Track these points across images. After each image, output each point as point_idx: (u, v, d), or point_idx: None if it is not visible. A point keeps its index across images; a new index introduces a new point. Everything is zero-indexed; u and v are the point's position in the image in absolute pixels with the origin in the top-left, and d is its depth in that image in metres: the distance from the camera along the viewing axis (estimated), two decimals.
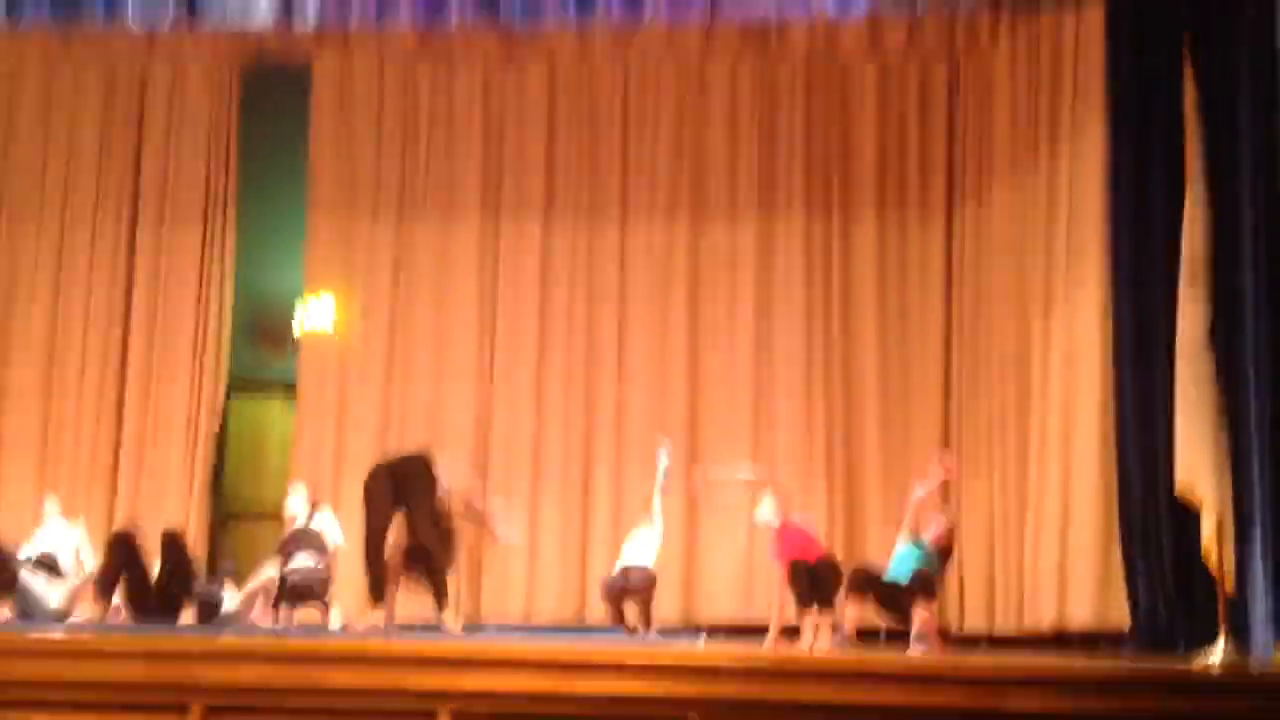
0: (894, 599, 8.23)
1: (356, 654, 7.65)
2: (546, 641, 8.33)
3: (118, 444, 11.35)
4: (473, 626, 8.63)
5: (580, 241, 11.52)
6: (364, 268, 11.63)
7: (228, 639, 8.05)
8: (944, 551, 8.40)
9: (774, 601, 8.47)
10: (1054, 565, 9.47)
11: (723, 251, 11.40)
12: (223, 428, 11.56)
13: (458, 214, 11.61)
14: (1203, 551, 7.10)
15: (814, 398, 11.14)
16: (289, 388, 11.73)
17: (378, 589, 8.32)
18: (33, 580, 8.94)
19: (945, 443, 10.82)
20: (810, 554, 8.36)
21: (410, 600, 8.66)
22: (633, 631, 8.73)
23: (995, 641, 9.42)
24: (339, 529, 9.10)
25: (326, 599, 8.95)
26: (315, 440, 11.33)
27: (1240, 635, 7.23)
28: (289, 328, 12.04)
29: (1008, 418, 10.31)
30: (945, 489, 8.96)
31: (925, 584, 8.18)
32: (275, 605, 8.89)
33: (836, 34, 11.15)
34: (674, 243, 11.44)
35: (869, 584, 8.27)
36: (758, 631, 8.59)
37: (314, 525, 9.10)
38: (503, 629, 8.69)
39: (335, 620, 8.77)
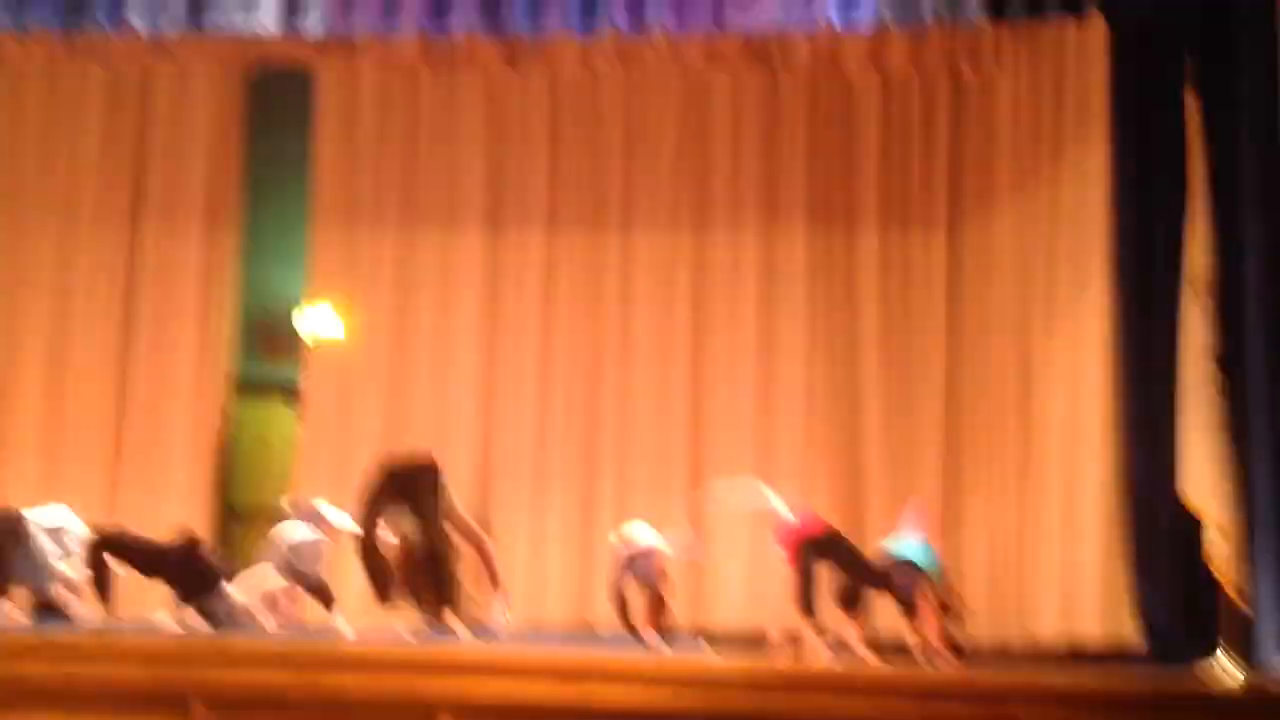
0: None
1: (360, 658, 7.69)
2: (552, 648, 8.37)
3: (120, 447, 11.34)
4: (478, 632, 8.59)
5: (582, 251, 11.54)
6: (367, 274, 11.64)
7: (233, 641, 8.07)
8: None
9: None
10: (1057, 580, 9.51)
11: (725, 263, 11.42)
12: (225, 431, 11.54)
13: (460, 222, 11.61)
14: (1209, 566, 7.14)
15: (816, 411, 11.16)
16: (291, 392, 11.72)
17: (381, 589, 8.33)
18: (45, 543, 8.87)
19: (947, 456, 10.84)
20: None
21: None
22: (638, 634, 8.69)
23: (1002, 656, 9.43)
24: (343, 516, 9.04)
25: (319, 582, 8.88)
26: (319, 447, 11.33)
27: (1248, 649, 7.27)
28: (291, 333, 12.04)
29: (1010, 432, 10.35)
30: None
31: (930, 586, 8.19)
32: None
33: (840, 46, 11.17)
34: (676, 254, 11.46)
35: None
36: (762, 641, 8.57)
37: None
38: (508, 635, 8.65)
39: (342, 624, 8.74)
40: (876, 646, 8.25)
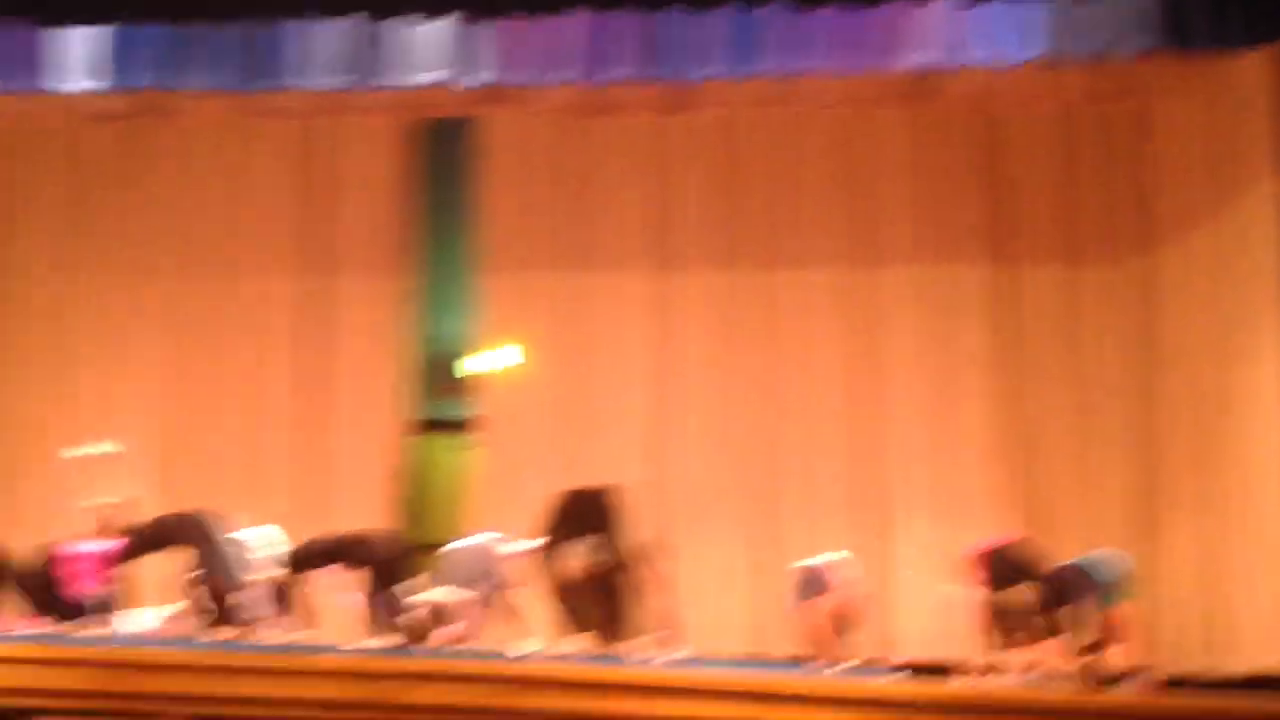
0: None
1: (544, 678, 7.83)
2: (729, 671, 8.43)
3: (302, 486, 11.71)
4: (652, 659, 8.65)
5: (749, 287, 11.63)
6: (537, 314, 11.87)
7: (422, 659, 8.26)
8: None
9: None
10: (1265, 610, 9.30)
11: (899, 298, 11.45)
12: (403, 468, 11.84)
13: (627, 260, 11.81)
14: None
15: (999, 442, 11.11)
16: (467, 430, 11.99)
17: (562, 613, 8.47)
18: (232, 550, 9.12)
19: (1140, 485, 10.67)
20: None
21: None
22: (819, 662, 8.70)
23: (1205, 685, 9.23)
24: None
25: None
26: (494, 481, 11.57)
27: None
28: (466, 374, 12.32)
29: (1209, 461, 10.16)
30: None
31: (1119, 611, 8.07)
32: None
33: (1011, 79, 11.03)
34: (847, 287, 11.51)
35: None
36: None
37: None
38: (691, 660, 8.71)
39: (521, 644, 8.85)
40: (1065, 673, 8.12)
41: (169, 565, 9.32)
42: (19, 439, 11.94)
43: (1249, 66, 9.86)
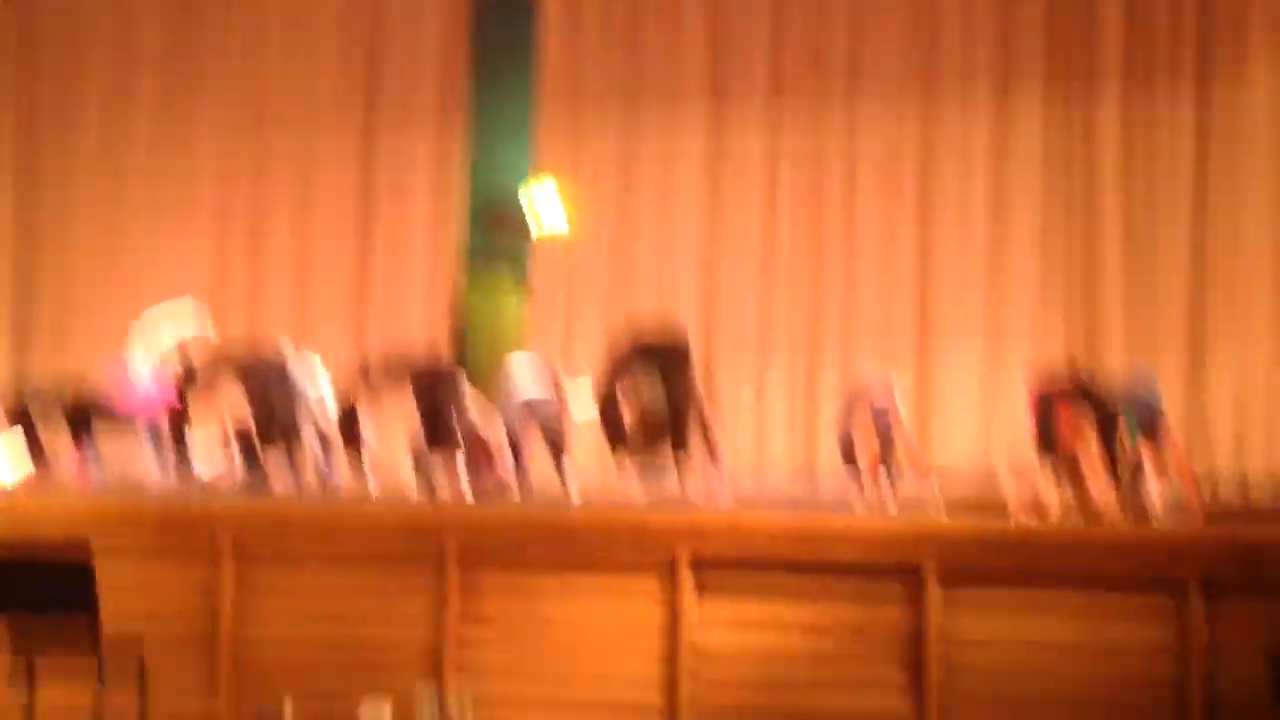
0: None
1: (607, 516, 8.00)
2: (782, 508, 8.54)
3: (360, 321, 11.90)
4: (704, 496, 8.78)
5: (807, 121, 11.46)
6: (592, 151, 11.79)
7: (479, 501, 8.44)
8: None
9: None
10: None
11: (956, 133, 11.23)
12: (458, 305, 11.96)
13: (683, 96, 11.65)
14: None
15: (1052, 266, 10.98)
16: (521, 267, 12.05)
17: (620, 445, 8.60)
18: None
19: (1192, 312, 10.63)
20: None
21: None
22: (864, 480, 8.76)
23: (1252, 513, 9.26)
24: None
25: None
26: (547, 318, 11.70)
27: None
28: (520, 211, 12.32)
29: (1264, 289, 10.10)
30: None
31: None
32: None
33: None
34: (905, 123, 11.29)
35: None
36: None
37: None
38: (741, 493, 8.84)
39: (572, 477, 8.98)
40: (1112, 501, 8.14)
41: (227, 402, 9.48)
42: (69, 288, 12.17)
43: None
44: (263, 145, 12.16)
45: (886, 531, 7.67)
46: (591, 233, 11.76)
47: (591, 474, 9.18)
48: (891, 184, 11.30)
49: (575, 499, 8.70)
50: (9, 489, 8.63)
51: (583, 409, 9.15)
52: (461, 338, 11.72)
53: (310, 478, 9.10)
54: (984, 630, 7.39)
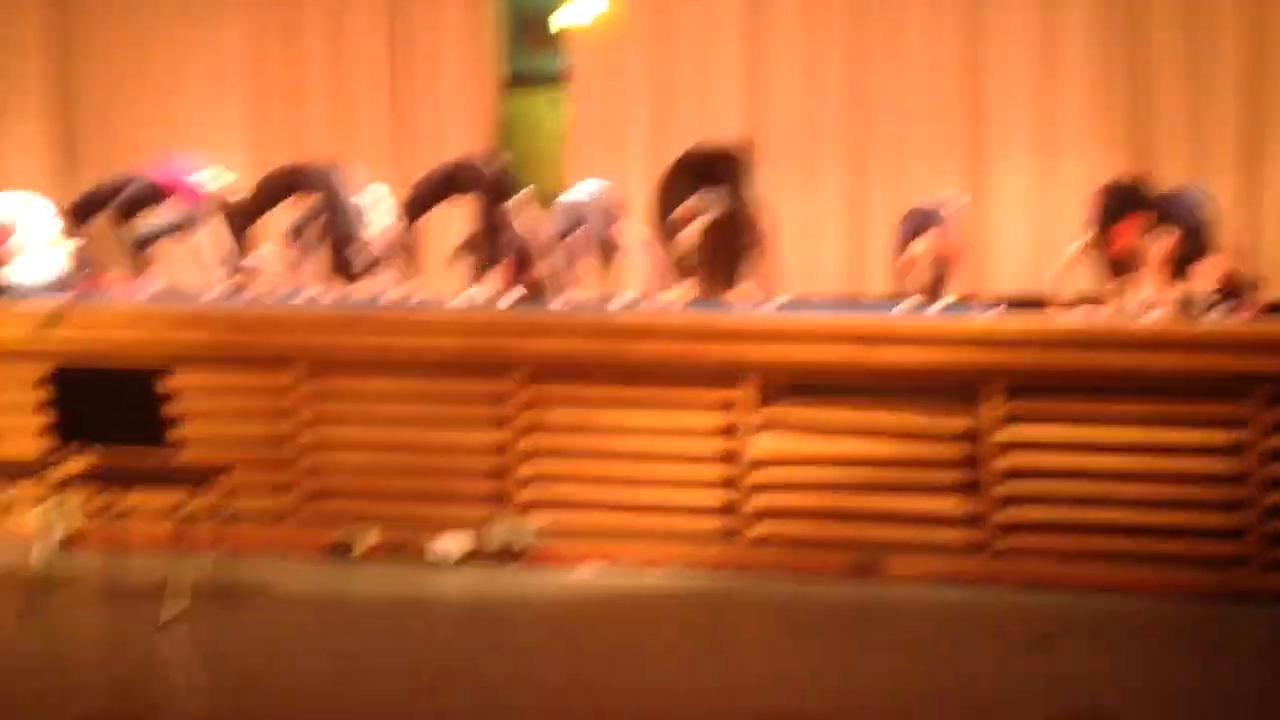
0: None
1: (665, 327, 8.05)
2: (844, 315, 8.59)
3: (396, 141, 11.81)
4: (761, 306, 8.81)
5: None
6: None
7: (544, 311, 8.48)
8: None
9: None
10: None
11: None
12: (497, 122, 11.86)
13: None
14: None
15: (1104, 82, 10.80)
16: (560, 83, 11.93)
17: (674, 261, 8.60)
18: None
19: (1247, 125, 10.54)
20: None
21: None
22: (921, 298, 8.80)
23: None
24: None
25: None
26: (588, 134, 11.59)
27: None
28: (557, 25, 12.16)
29: None
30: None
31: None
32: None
33: None
34: None
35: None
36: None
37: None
38: (794, 304, 8.86)
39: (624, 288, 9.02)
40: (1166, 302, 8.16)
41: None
42: (98, 129, 12.05)
43: None
44: None
45: (948, 331, 7.73)
46: (630, 43, 11.58)
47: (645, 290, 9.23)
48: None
49: (627, 304, 8.74)
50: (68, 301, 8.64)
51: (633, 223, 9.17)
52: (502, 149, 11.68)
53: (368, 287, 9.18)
54: (1044, 434, 7.53)
